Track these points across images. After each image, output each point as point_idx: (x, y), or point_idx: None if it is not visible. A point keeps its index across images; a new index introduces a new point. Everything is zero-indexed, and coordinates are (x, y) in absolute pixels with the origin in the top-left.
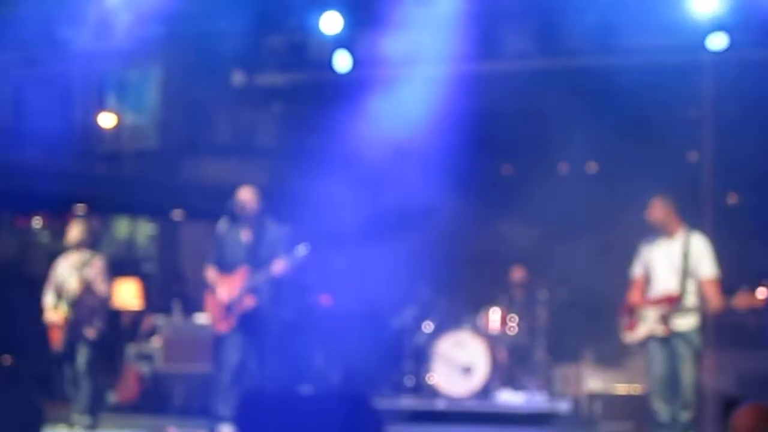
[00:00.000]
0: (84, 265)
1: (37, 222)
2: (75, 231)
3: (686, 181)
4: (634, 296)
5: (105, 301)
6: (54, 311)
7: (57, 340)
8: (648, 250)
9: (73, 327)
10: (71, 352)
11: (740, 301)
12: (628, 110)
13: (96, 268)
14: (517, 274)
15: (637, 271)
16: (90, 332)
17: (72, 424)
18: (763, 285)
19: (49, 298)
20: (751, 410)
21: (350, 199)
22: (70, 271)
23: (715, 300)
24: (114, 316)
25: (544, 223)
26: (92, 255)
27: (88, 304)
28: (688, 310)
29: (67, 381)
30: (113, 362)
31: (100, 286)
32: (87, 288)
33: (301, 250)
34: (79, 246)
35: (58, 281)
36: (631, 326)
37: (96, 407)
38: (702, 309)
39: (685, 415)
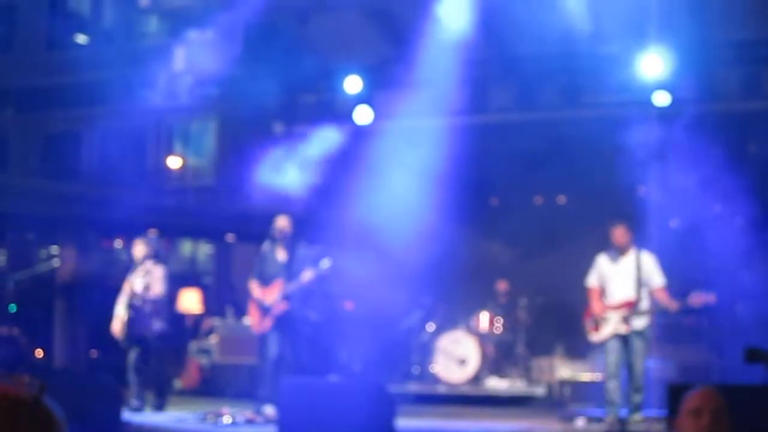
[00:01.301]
0: (147, 274)
1: (118, 243)
2: (138, 248)
3: (636, 209)
4: (595, 306)
5: (160, 302)
6: (121, 311)
7: (118, 333)
8: (604, 264)
9: (133, 325)
10: (131, 347)
11: (695, 300)
12: (589, 153)
13: (155, 274)
14: (501, 285)
15: (592, 281)
16: (147, 331)
17: (132, 406)
18: (698, 291)
19: (120, 306)
20: (701, 392)
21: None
22: (137, 281)
23: (669, 303)
24: (179, 318)
25: (524, 244)
26: (153, 265)
27: (145, 307)
28: (643, 313)
29: (129, 370)
30: (179, 356)
31: (156, 289)
32: (144, 291)
33: (326, 263)
34: (142, 259)
35: (127, 289)
36: (596, 329)
37: (163, 392)
38: (654, 311)
39: (637, 398)
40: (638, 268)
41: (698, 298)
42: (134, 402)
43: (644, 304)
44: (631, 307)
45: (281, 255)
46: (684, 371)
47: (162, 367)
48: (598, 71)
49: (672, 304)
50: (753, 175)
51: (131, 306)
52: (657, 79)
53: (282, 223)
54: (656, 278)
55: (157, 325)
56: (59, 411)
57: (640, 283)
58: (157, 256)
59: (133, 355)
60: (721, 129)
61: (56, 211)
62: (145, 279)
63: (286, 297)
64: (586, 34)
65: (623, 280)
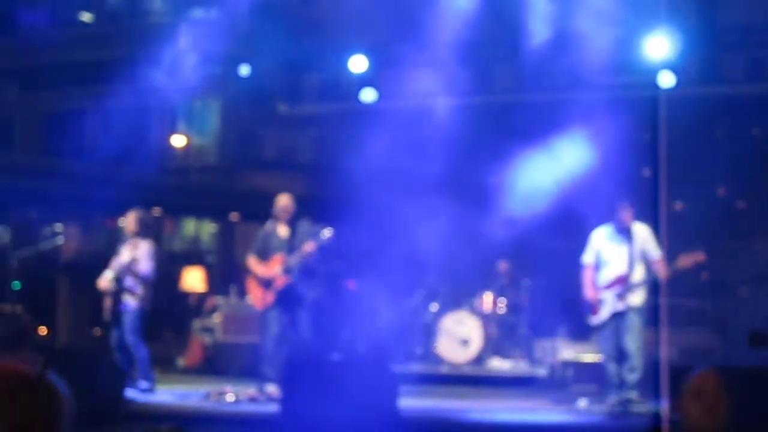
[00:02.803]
0: (134, 248)
1: (121, 222)
2: (129, 221)
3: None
4: (588, 291)
5: (146, 278)
6: (103, 285)
7: (107, 310)
8: (600, 241)
9: (117, 298)
10: (116, 320)
11: (683, 262)
12: (594, 134)
13: (142, 249)
14: (503, 266)
15: (588, 258)
16: (130, 299)
17: (141, 387)
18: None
19: (106, 274)
20: (702, 374)
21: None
22: (123, 254)
23: (663, 273)
24: (183, 296)
25: (527, 226)
26: (141, 240)
27: (131, 279)
28: (636, 285)
29: (114, 346)
30: (182, 334)
31: (143, 265)
32: (129, 266)
33: (326, 233)
34: (133, 234)
35: (115, 262)
36: (595, 312)
37: (149, 372)
38: (649, 282)
39: (632, 377)
40: (633, 241)
41: (687, 260)
42: (142, 383)
43: (637, 276)
44: (624, 282)
45: (283, 231)
46: (686, 354)
47: (138, 343)
48: (604, 52)
49: (664, 272)
50: (755, 158)
51: (116, 279)
52: (663, 61)
53: (284, 201)
54: (653, 251)
55: (139, 294)
56: (64, 387)
57: (633, 257)
58: (146, 232)
59: (114, 333)
60: (725, 112)
61: (60, 188)
62: (133, 253)
63: (288, 270)
64: (591, 13)
65: (618, 256)
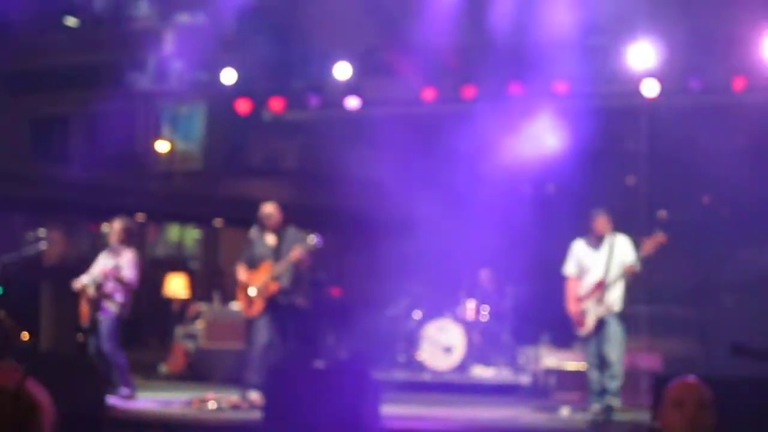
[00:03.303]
0: (116, 255)
1: (105, 227)
2: (113, 229)
3: (624, 199)
4: (572, 305)
5: (129, 286)
6: (84, 291)
7: (84, 316)
8: (580, 251)
9: (97, 304)
10: (95, 327)
11: (647, 247)
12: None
13: (124, 258)
14: (484, 275)
15: (570, 270)
16: (110, 305)
17: (121, 394)
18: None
19: (83, 279)
20: (684, 384)
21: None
22: (103, 261)
23: (631, 268)
24: (166, 303)
25: (512, 232)
26: (124, 248)
27: (111, 287)
28: (612, 284)
29: (92, 352)
30: (165, 340)
31: (126, 273)
32: (111, 273)
33: (312, 239)
34: (116, 241)
35: (95, 268)
36: (581, 323)
37: (128, 378)
38: (623, 277)
39: (614, 384)
40: (611, 249)
41: (649, 244)
42: (123, 390)
43: (612, 276)
44: (602, 287)
45: (270, 239)
46: (669, 362)
47: (115, 351)
48: (587, 62)
49: (632, 268)
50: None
51: (98, 286)
52: (646, 70)
53: (270, 209)
54: (629, 257)
55: (119, 301)
56: (45, 396)
57: (609, 263)
58: (129, 240)
59: (92, 340)
60: (709, 120)
61: (43, 194)
62: (115, 260)
63: (276, 278)
64: (575, 23)
65: (595, 263)
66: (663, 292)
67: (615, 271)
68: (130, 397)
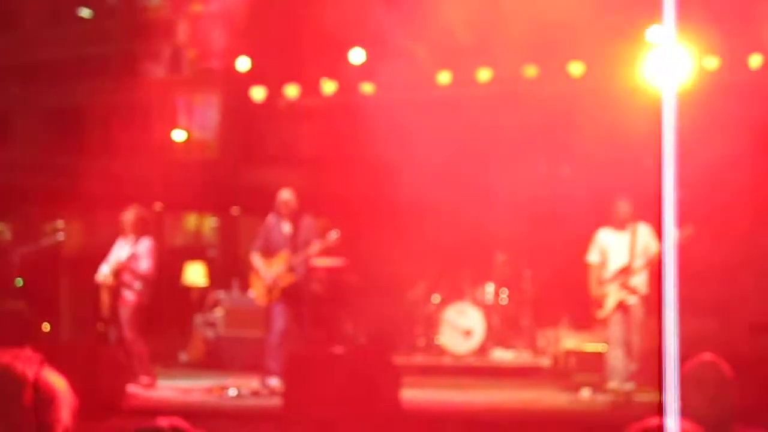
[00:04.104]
0: (134, 244)
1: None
2: (128, 218)
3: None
4: (594, 287)
5: (147, 275)
6: (103, 281)
7: (104, 305)
8: (604, 239)
9: (116, 293)
10: (115, 316)
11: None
12: (595, 124)
13: (142, 246)
14: (500, 258)
15: (594, 257)
16: (129, 296)
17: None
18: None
19: (103, 269)
20: (703, 363)
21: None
22: (121, 250)
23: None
24: (184, 291)
25: (532, 215)
26: (141, 237)
27: (130, 276)
28: (638, 270)
29: (112, 341)
30: (184, 328)
31: (143, 262)
32: (129, 263)
33: (333, 234)
34: (132, 230)
35: (113, 257)
36: (600, 305)
37: (149, 367)
38: (650, 265)
39: (633, 366)
40: (635, 238)
41: (679, 237)
42: (143, 378)
43: (638, 264)
44: (626, 273)
45: (286, 227)
46: (688, 342)
47: (136, 339)
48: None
49: (656, 258)
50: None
51: (116, 274)
52: (660, 52)
53: (286, 196)
54: (652, 246)
55: (137, 290)
56: (63, 385)
57: (634, 252)
58: (146, 229)
59: (113, 329)
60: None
61: (61, 184)
62: (132, 249)
63: (292, 268)
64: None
65: (621, 253)
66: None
67: (639, 260)
68: (150, 385)
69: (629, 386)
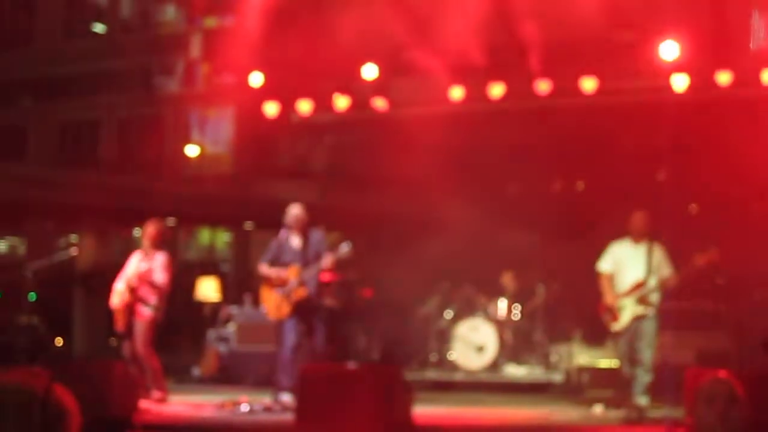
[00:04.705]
0: (149, 258)
1: (137, 231)
2: (148, 231)
3: (655, 194)
4: (608, 297)
5: (162, 290)
6: (119, 297)
7: (119, 320)
8: (619, 251)
9: (131, 308)
10: (129, 331)
11: (698, 262)
12: (608, 138)
13: (157, 260)
14: (507, 277)
15: (606, 266)
16: (144, 311)
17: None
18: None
19: (118, 285)
20: (715, 379)
21: (385, 211)
22: (136, 264)
23: (674, 280)
24: (198, 306)
25: (542, 231)
26: (156, 251)
27: (145, 291)
28: (653, 289)
29: (127, 357)
30: (197, 343)
31: (158, 276)
32: (144, 277)
33: (344, 248)
34: (150, 244)
35: (126, 272)
36: (615, 318)
37: (161, 382)
38: (663, 287)
39: (647, 378)
40: (650, 256)
41: (701, 259)
42: (155, 393)
43: (653, 282)
44: (642, 288)
45: (296, 241)
46: (702, 357)
47: (151, 354)
48: (615, 57)
49: (669, 282)
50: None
51: (132, 290)
52: (675, 64)
53: (295, 210)
54: (665, 269)
55: (153, 305)
56: (72, 401)
57: (650, 269)
58: (162, 243)
59: (127, 344)
60: (737, 113)
61: (75, 199)
62: (148, 264)
63: (304, 282)
64: (603, 19)
65: (636, 266)
66: (695, 286)
67: (654, 278)
68: (162, 400)
69: (644, 400)
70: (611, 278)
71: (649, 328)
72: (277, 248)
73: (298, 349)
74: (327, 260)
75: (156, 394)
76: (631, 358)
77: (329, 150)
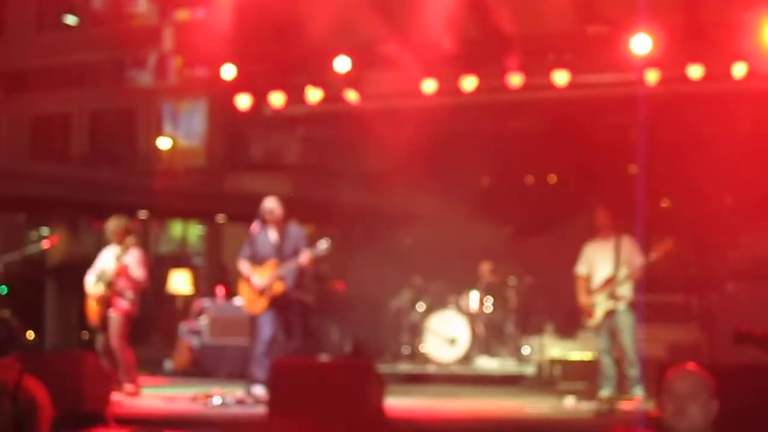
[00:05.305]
0: (123, 254)
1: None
2: (114, 227)
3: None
4: (582, 297)
5: (139, 285)
6: (92, 290)
7: (93, 314)
8: (590, 251)
9: (108, 303)
10: (104, 325)
11: (656, 253)
12: (580, 132)
13: (133, 257)
14: (485, 267)
15: (582, 269)
16: (121, 304)
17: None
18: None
19: (89, 278)
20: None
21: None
22: (110, 259)
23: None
24: (170, 299)
25: (514, 224)
26: (131, 246)
27: (122, 285)
28: (624, 281)
29: (100, 351)
30: (169, 336)
31: (135, 272)
32: (123, 271)
33: (323, 244)
34: (119, 240)
35: (99, 266)
36: (590, 315)
37: (134, 375)
38: (632, 276)
39: (632, 372)
40: (618, 250)
41: (659, 251)
42: (127, 386)
43: (623, 274)
44: (613, 282)
45: (272, 235)
46: (674, 350)
47: (125, 348)
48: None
49: (639, 271)
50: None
51: (109, 284)
52: (647, 58)
53: (271, 204)
54: (636, 259)
55: (130, 299)
56: (44, 394)
57: (618, 263)
58: (133, 238)
59: (100, 337)
60: (709, 107)
61: (46, 192)
62: (122, 259)
63: (281, 277)
64: (575, 12)
65: (605, 263)
66: (665, 279)
67: (623, 271)
68: (134, 393)
69: (638, 392)
70: (587, 279)
71: (625, 321)
72: (252, 243)
73: (273, 342)
74: (305, 256)
75: (128, 387)
76: (611, 352)
77: (302, 143)
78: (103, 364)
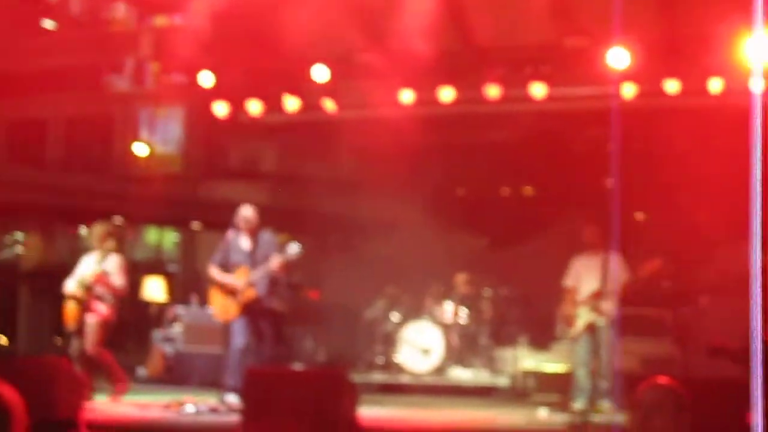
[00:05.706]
0: (103, 260)
1: (83, 231)
2: (97, 233)
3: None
4: (567, 306)
5: (118, 292)
6: (71, 294)
7: (70, 318)
8: (578, 265)
9: (86, 308)
10: (81, 330)
11: (642, 272)
12: (556, 144)
13: (113, 263)
14: (460, 278)
15: (569, 282)
16: (100, 309)
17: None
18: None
19: (69, 284)
20: (659, 386)
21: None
22: (91, 265)
23: (625, 288)
24: (144, 306)
25: (489, 235)
26: (111, 253)
27: (100, 290)
28: (607, 296)
29: (75, 356)
30: (143, 343)
31: (115, 279)
32: (102, 278)
33: (294, 249)
34: (100, 246)
35: (80, 272)
36: (569, 325)
37: (120, 374)
38: (617, 292)
39: (605, 383)
40: (606, 266)
41: (645, 270)
42: (117, 385)
43: (607, 290)
44: (599, 297)
45: (245, 243)
46: (647, 364)
47: (100, 354)
48: (565, 62)
49: (626, 289)
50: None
51: (87, 289)
52: (624, 72)
53: (246, 212)
54: (622, 277)
55: (109, 303)
56: (17, 400)
57: (606, 279)
58: (114, 245)
59: (76, 343)
60: (684, 122)
61: (21, 198)
62: (102, 265)
63: (252, 284)
64: (553, 25)
65: (592, 278)
66: (639, 292)
67: (609, 286)
68: (122, 390)
69: (605, 405)
70: (574, 291)
71: (606, 334)
72: (225, 249)
73: (246, 350)
74: (275, 262)
75: (118, 386)
76: (587, 364)
77: (278, 151)
78: (76, 370)
